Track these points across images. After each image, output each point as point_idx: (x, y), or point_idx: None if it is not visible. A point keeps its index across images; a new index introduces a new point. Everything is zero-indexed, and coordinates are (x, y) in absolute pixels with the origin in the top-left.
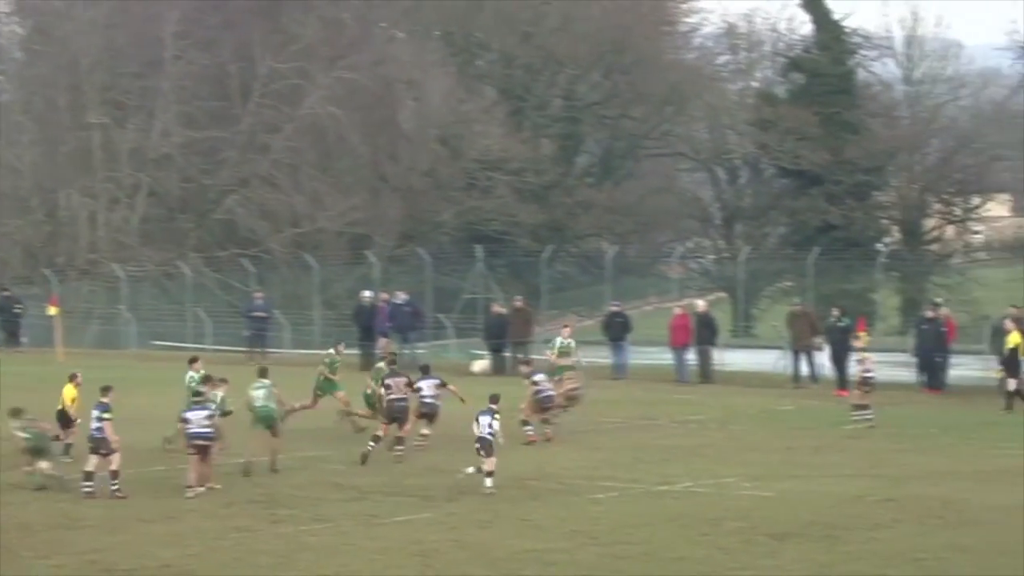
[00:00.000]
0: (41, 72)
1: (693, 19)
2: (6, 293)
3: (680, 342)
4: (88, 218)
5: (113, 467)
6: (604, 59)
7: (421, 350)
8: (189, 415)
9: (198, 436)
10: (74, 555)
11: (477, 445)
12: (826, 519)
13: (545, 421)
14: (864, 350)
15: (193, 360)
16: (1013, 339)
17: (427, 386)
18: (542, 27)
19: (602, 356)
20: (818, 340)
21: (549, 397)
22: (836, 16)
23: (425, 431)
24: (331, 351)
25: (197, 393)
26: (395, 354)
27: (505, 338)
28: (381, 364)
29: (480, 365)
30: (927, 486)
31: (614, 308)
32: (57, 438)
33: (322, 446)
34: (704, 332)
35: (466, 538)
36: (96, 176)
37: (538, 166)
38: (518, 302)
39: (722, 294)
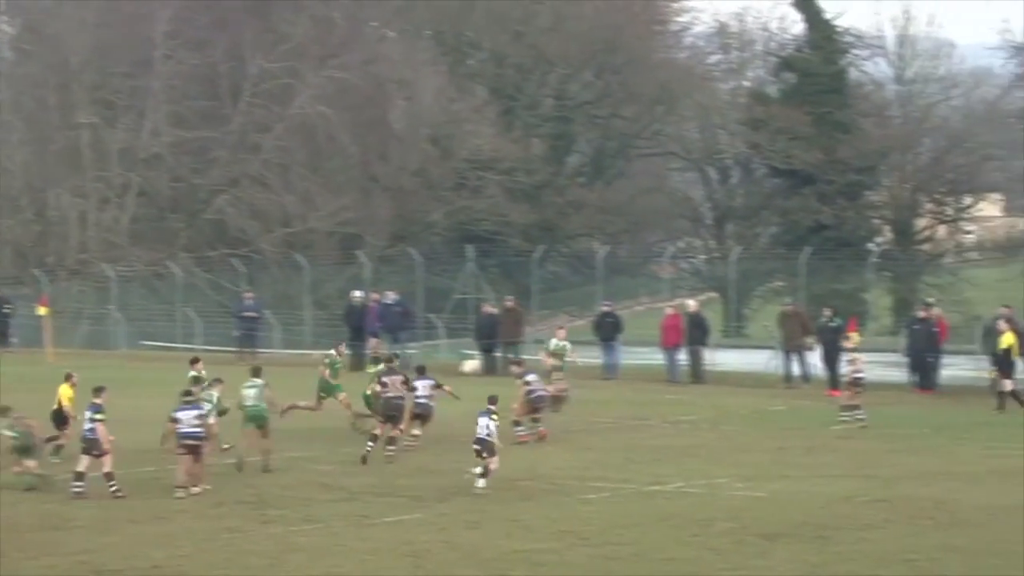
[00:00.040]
0: (31, 71)
1: (684, 18)
2: None
3: (671, 342)
4: (78, 218)
5: (106, 469)
6: (595, 58)
7: (412, 350)
8: (179, 415)
9: (188, 436)
10: (64, 556)
11: (477, 447)
12: (817, 520)
13: (535, 420)
14: (855, 350)
15: (195, 360)
16: (1007, 340)
17: (423, 386)
18: (533, 26)
19: (593, 356)
20: (809, 340)
21: (541, 397)
22: (828, 15)
23: (416, 432)
24: (332, 352)
25: (187, 392)
26: (396, 355)
27: (496, 338)
28: (381, 365)
29: (471, 365)
30: (919, 486)
31: (605, 308)
32: (55, 439)
33: (312, 446)
34: (695, 332)
35: (456, 539)
36: (86, 176)
37: (529, 166)
38: (509, 302)
39: (713, 294)
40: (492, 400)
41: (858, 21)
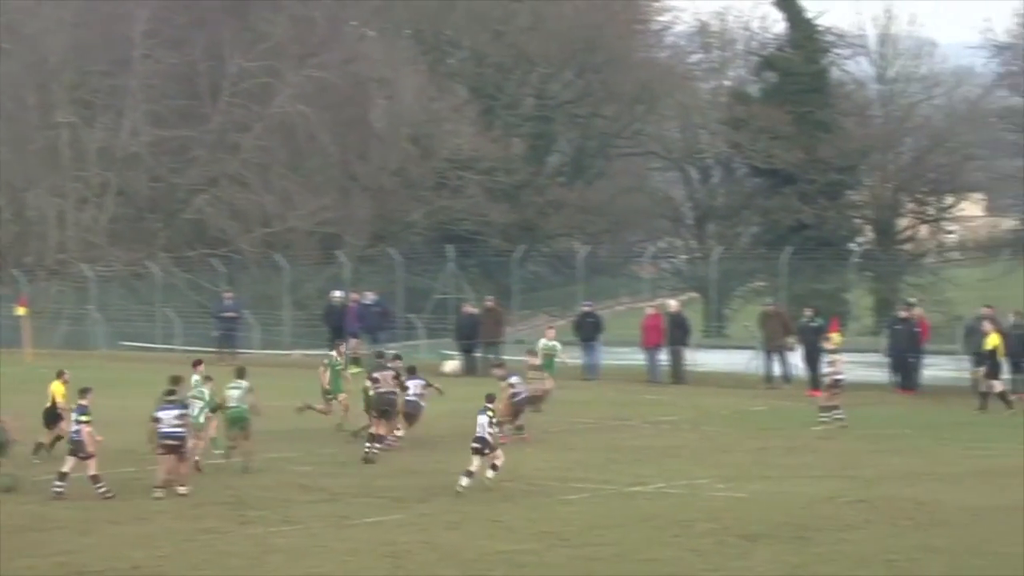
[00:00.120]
0: (9, 70)
1: (665, 17)
2: None
3: (652, 342)
4: (56, 218)
5: (91, 471)
6: (576, 58)
7: (392, 351)
8: (160, 414)
9: (168, 436)
10: (44, 557)
11: (477, 445)
12: (798, 520)
13: (519, 428)
14: (835, 351)
15: (197, 363)
16: (992, 340)
17: (414, 385)
18: (513, 26)
19: (574, 356)
20: (791, 340)
21: (524, 400)
22: (809, 14)
23: (399, 432)
24: (332, 353)
25: (170, 392)
26: (381, 354)
27: (476, 338)
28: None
29: (451, 365)
30: (899, 487)
31: (586, 308)
32: (59, 438)
33: (291, 447)
34: (676, 332)
35: (437, 539)
36: (64, 175)
37: (509, 165)
38: (489, 302)
39: (694, 294)
40: (489, 399)
41: (839, 20)
